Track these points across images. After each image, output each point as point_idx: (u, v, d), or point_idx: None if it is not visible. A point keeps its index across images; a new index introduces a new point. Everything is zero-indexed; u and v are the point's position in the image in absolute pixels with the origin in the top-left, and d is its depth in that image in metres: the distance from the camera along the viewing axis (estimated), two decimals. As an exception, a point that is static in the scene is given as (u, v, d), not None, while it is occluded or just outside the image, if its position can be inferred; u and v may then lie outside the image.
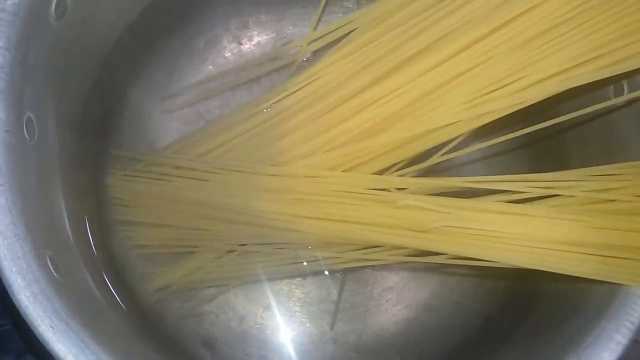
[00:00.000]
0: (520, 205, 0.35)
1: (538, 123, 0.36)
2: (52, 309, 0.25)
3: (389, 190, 0.37)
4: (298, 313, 0.41)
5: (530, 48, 0.35)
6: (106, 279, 0.36)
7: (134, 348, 0.33)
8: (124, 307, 0.36)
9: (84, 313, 0.27)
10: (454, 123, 0.36)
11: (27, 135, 0.30)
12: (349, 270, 0.41)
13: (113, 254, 0.38)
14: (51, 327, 0.25)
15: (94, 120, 0.39)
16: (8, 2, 0.29)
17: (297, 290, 0.42)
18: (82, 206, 0.36)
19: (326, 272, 0.41)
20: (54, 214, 0.32)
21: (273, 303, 0.41)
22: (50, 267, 0.27)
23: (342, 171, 0.38)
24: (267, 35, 0.45)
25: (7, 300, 0.26)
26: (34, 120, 0.31)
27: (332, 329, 0.41)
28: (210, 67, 0.44)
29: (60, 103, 0.34)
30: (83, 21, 0.35)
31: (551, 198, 0.37)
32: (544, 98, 0.36)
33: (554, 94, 0.36)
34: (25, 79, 0.30)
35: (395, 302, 0.42)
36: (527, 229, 0.35)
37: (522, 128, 0.36)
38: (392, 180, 0.37)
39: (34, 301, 0.25)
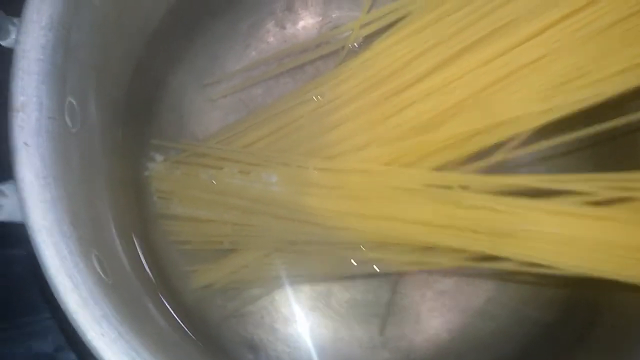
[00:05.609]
0: (596, 207, 0.33)
1: (605, 121, 0.33)
2: (102, 315, 0.23)
3: (450, 188, 0.34)
4: (346, 316, 0.39)
5: (611, 35, 0.33)
6: (151, 278, 0.34)
7: (179, 352, 0.30)
8: (169, 307, 0.33)
9: (133, 317, 0.25)
10: (523, 116, 0.33)
11: (69, 122, 0.28)
12: (400, 272, 0.39)
13: (155, 250, 0.36)
14: (102, 334, 0.23)
15: (136, 107, 0.36)
16: (51, -22, 0.26)
17: (345, 292, 0.39)
18: (124, 199, 0.34)
19: (376, 274, 0.39)
20: (97, 208, 0.30)
21: (320, 305, 0.39)
22: (97, 267, 0.25)
23: (399, 166, 0.36)
24: (312, 19, 0.43)
25: (47, 294, 0.24)
26: (76, 106, 0.29)
27: (381, 333, 0.39)
28: (254, 52, 0.42)
29: (102, 88, 0.32)
30: (126, 0, 0.32)
31: (627, 201, 0.34)
32: (623, 91, 0.33)
33: (633, 87, 0.33)
34: (67, 61, 0.28)
35: (449, 308, 0.39)
36: (602, 233, 0.32)
37: (586, 127, 0.34)
38: (455, 177, 0.34)
39: (83, 305, 0.23)
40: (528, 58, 0.34)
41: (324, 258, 0.37)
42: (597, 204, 0.33)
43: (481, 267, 0.35)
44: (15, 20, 0.28)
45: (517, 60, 0.34)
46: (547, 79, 0.33)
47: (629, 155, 0.38)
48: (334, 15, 0.43)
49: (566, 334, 0.38)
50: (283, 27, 0.42)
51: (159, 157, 0.38)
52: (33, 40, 0.26)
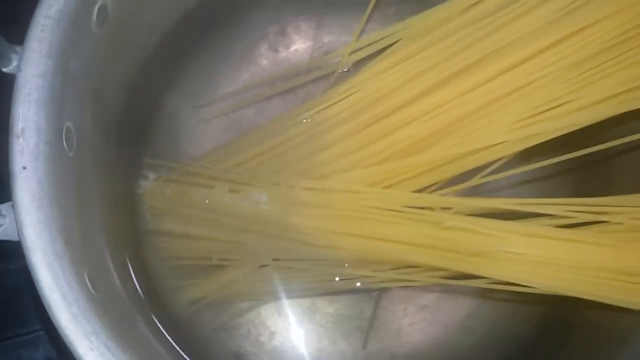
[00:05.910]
0: (569, 230, 0.34)
1: (583, 148, 0.35)
2: (92, 330, 0.24)
3: (432, 209, 0.36)
4: (330, 330, 0.40)
5: (585, 68, 0.34)
6: (140, 293, 0.35)
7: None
8: (158, 322, 0.35)
9: (122, 333, 0.26)
10: (502, 143, 0.35)
11: (66, 146, 0.29)
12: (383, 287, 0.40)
13: (146, 266, 0.37)
14: (91, 349, 0.24)
15: (130, 128, 0.38)
16: (53, 8, 0.28)
17: (329, 307, 0.40)
18: (116, 217, 0.35)
19: (359, 290, 0.40)
20: (90, 226, 0.31)
21: (304, 319, 0.40)
22: (89, 284, 0.26)
23: (383, 188, 0.37)
24: (304, 43, 0.44)
25: (39, 307, 0.25)
26: (73, 130, 0.30)
27: (364, 347, 0.40)
28: (246, 75, 0.43)
29: (98, 111, 0.33)
30: (123, 27, 0.34)
31: (599, 224, 0.35)
32: (598, 121, 0.34)
33: (608, 117, 0.34)
34: (65, 86, 0.29)
35: (430, 322, 0.40)
36: (575, 255, 0.34)
37: (566, 153, 0.35)
38: (437, 199, 0.36)
39: (74, 321, 0.24)
40: (511, 86, 0.36)
41: (309, 274, 0.39)
42: (571, 226, 0.35)
43: (460, 284, 0.36)
44: (17, 48, 0.29)
45: (500, 89, 0.36)
46: (529, 106, 0.35)
47: (605, 181, 0.40)
48: (325, 40, 0.44)
49: (544, 349, 0.39)
50: (276, 51, 0.44)
51: (151, 176, 0.39)
52: (34, 67, 0.27)
